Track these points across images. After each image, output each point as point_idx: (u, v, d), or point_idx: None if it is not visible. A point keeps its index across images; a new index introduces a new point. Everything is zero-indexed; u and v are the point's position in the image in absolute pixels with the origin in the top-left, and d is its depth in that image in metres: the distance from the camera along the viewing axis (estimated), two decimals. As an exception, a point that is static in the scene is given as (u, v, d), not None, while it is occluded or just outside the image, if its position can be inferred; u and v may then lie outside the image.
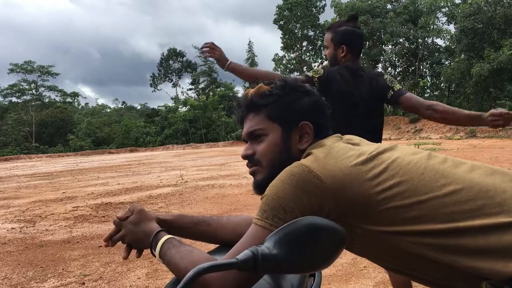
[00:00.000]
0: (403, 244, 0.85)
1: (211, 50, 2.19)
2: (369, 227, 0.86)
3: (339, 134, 1.04)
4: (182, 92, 64.38)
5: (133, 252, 1.05)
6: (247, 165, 1.07)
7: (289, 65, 45.80)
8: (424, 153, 0.96)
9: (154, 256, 0.96)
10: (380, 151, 0.93)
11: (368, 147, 0.95)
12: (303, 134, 1.02)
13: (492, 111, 1.97)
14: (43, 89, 53.34)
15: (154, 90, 61.45)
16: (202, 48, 2.21)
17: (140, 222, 1.02)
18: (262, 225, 0.84)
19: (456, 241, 0.81)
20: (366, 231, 0.86)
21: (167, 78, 59.43)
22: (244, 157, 1.05)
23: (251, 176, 1.07)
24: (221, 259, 0.83)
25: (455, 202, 0.83)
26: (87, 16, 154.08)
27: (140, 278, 3.43)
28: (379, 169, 0.87)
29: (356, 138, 1.04)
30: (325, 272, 3.25)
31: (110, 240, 1.05)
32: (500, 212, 0.81)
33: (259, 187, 1.02)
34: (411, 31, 36.21)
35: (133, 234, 1.02)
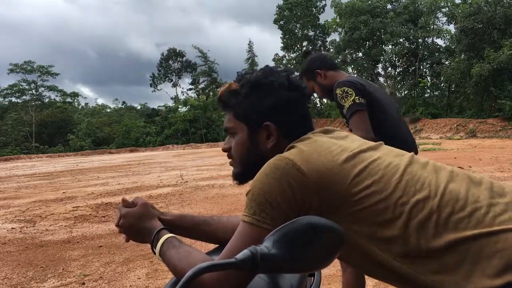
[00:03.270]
0: (372, 250, 0.85)
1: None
2: (347, 226, 0.86)
3: (326, 128, 1.03)
4: (182, 92, 64.29)
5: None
6: (227, 156, 1.10)
7: (289, 65, 45.79)
8: (406, 156, 0.95)
9: (154, 253, 0.96)
10: (362, 149, 0.92)
11: (351, 144, 0.95)
12: (269, 134, 1.01)
13: None
14: (43, 89, 53.29)
15: (154, 90, 61.44)
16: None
17: (143, 217, 1.02)
18: (250, 222, 0.84)
19: (424, 258, 0.81)
20: (344, 230, 0.86)
21: (167, 78, 59.38)
22: (223, 150, 1.09)
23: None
24: (217, 259, 0.83)
25: (425, 209, 0.83)
26: (82, 16, 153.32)
27: (140, 278, 3.43)
28: (359, 168, 0.87)
29: (342, 133, 1.03)
30: (325, 272, 3.24)
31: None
32: (468, 223, 0.81)
33: (236, 177, 1.09)
34: (411, 31, 36.14)
35: (134, 227, 1.02)
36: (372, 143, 0.98)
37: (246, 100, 1.01)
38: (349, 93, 1.97)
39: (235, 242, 0.85)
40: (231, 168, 1.10)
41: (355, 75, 2.12)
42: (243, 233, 0.85)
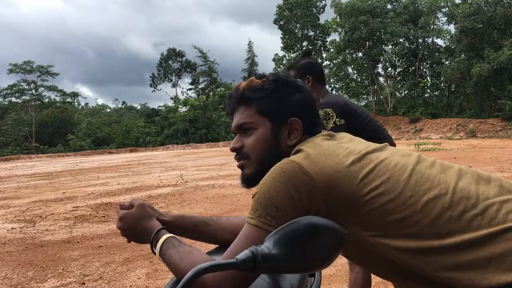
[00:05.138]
0: (384, 249, 0.85)
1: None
2: (355, 228, 0.86)
3: (330, 132, 1.04)
4: (182, 92, 64.25)
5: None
6: (235, 158, 1.06)
7: (289, 65, 45.77)
8: (413, 156, 0.96)
9: (154, 254, 0.96)
10: (368, 150, 0.93)
11: (357, 146, 0.95)
12: (292, 130, 1.01)
13: None
14: (42, 89, 53.30)
15: (154, 90, 61.53)
16: None
17: (141, 218, 1.01)
18: (255, 224, 0.84)
19: (437, 256, 0.81)
20: (352, 231, 0.86)
21: (166, 78, 59.44)
22: (233, 150, 1.05)
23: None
24: (218, 259, 0.83)
25: (437, 207, 0.83)
26: (81, 16, 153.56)
27: (140, 278, 3.43)
28: (367, 170, 0.87)
29: (346, 136, 1.03)
30: (325, 272, 3.25)
31: None
32: (481, 220, 0.81)
33: (247, 181, 1.04)
34: (411, 31, 36.16)
35: (133, 229, 1.02)
36: (378, 145, 0.98)
37: (273, 95, 1.02)
38: (331, 114, 2.13)
39: (239, 243, 0.85)
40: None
41: (335, 93, 2.33)
42: (247, 234, 0.85)
